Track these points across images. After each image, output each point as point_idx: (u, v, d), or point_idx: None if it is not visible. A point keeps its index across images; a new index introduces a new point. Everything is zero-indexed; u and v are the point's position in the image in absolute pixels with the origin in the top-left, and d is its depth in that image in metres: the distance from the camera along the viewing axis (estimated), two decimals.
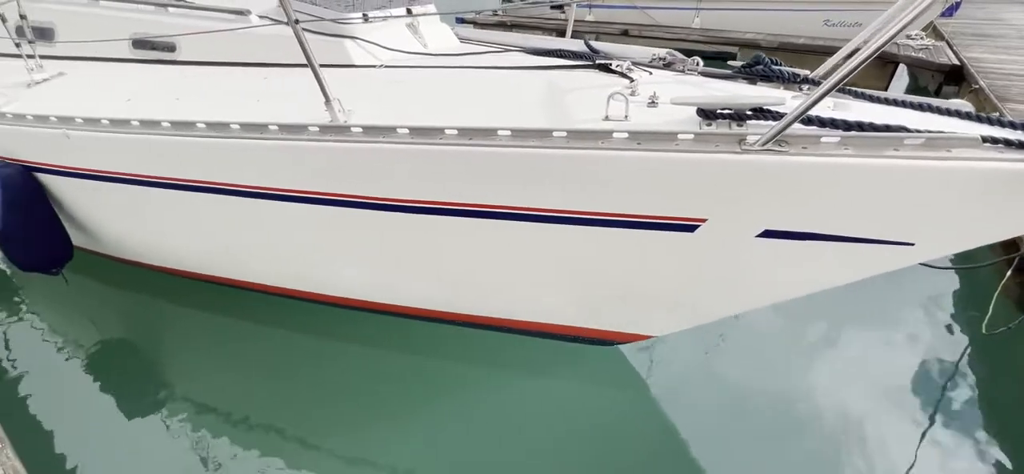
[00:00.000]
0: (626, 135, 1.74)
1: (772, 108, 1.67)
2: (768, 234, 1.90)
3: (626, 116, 1.82)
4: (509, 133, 1.84)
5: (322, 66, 2.74)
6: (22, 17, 3.09)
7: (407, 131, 1.96)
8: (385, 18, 2.97)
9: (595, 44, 3.12)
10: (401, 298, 2.71)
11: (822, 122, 1.62)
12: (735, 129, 1.69)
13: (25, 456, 2.19)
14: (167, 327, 3.63)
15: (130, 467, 2.67)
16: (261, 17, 3.06)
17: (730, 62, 2.42)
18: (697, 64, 2.49)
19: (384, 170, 2.10)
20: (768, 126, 1.63)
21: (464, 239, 2.21)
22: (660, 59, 2.63)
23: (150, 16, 3.34)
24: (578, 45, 3.18)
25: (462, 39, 3.52)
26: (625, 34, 11.25)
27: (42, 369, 3.29)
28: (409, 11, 3.13)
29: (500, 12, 14.08)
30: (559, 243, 2.11)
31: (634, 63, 2.46)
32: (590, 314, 2.52)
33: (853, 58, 1.43)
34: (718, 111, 1.71)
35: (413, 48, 3.00)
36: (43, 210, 3.16)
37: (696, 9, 10.87)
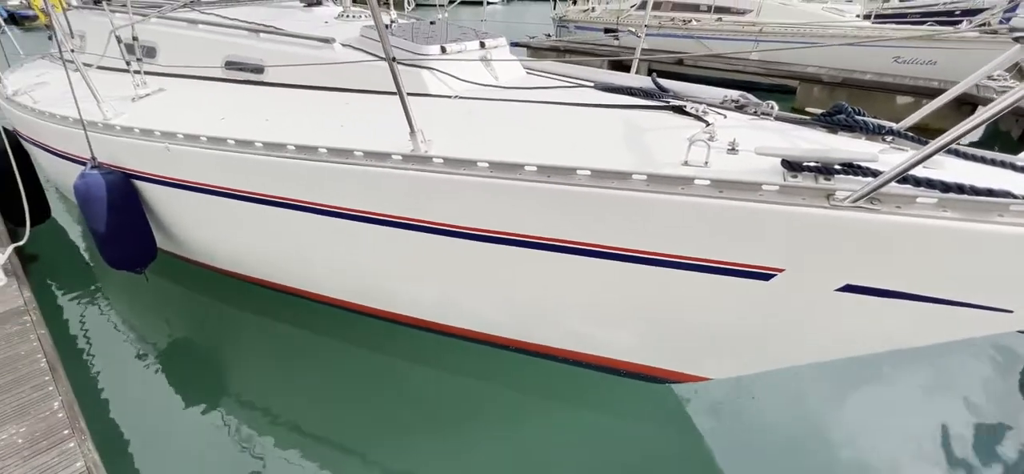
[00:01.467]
0: (708, 182, 1.74)
1: (864, 164, 1.63)
2: (850, 289, 1.84)
3: (706, 162, 1.82)
4: (588, 173, 1.87)
5: (391, 93, 2.88)
6: (134, 39, 3.40)
7: (487, 165, 2.03)
8: (460, 50, 3.09)
9: (662, 81, 3.14)
10: (466, 321, 2.77)
11: (918, 181, 1.57)
12: (822, 183, 1.66)
13: (100, 447, 2.34)
14: (236, 331, 3.83)
15: (192, 463, 2.81)
16: (344, 45, 3.25)
17: (809, 109, 2.37)
18: (772, 108, 2.45)
19: (461, 200, 2.17)
20: (860, 182, 1.59)
21: (534, 270, 2.24)
22: (732, 101, 2.61)
23: (242, 40, 3.61)
24: (645, 81, 3.20)
25: (528, 69, 3.61)
26: (680, 63, 11.18)
27: (118, 363, 3.53)
28: (482, 44, 3.25)
29: (553, 37, 14.34)
30: (630, 281, 2.11)
31: (708, 105, 2.45)
32: (651, 352, 2.50)
33: (968, 119, 1.37)
34: (804, 163, 1.69)
35: (485, 80, 3.11)
36: (137, 213, 3.42)
37: (754, 40, 10.69)
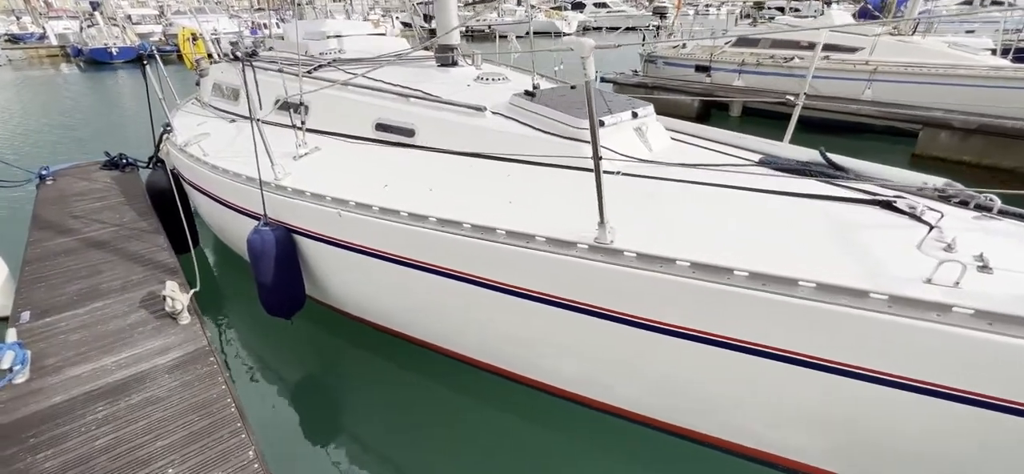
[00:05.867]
0: (972, 312, 1.57)
1: None
2: None
3: (958, 283, 1.65)
4: (813, 286, 1.75)
5: (558, 166, 2.88)
6: (301, 103, 3.69)
7: (688, 264, 1.95)
8: (616, 123, 3.07)
9: (832, 156, 2.95)
10: (643, 408, 2.66)
11: None
12: None
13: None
14: (369, 377, 3.94)
15: None
16: (494, 113, 3.33)
17: None
18: (992, 201, 2.20)
19: (653, 294, 2.09)
20: None
21: (722, 370, 2.12)
22: (936, 190, 2.38)
23: (392, 104, 3.81)
24: (813, 155, 3.03)
25: (673, 134, 3.53)
26: (783, 103, 10.64)
27: (260, 397, 3.78)
28: (635, 114, 3.21)
29: (641, 73, 14.19)
30: (836, 394, 1.94)
31: (912, 196, 2.25)
32: (841, 462, 2.28)
33: None
34: None
35: (640, 151, 3.06)
36: (294, 265, 3.65)
37: (867, 80, 9.97)
